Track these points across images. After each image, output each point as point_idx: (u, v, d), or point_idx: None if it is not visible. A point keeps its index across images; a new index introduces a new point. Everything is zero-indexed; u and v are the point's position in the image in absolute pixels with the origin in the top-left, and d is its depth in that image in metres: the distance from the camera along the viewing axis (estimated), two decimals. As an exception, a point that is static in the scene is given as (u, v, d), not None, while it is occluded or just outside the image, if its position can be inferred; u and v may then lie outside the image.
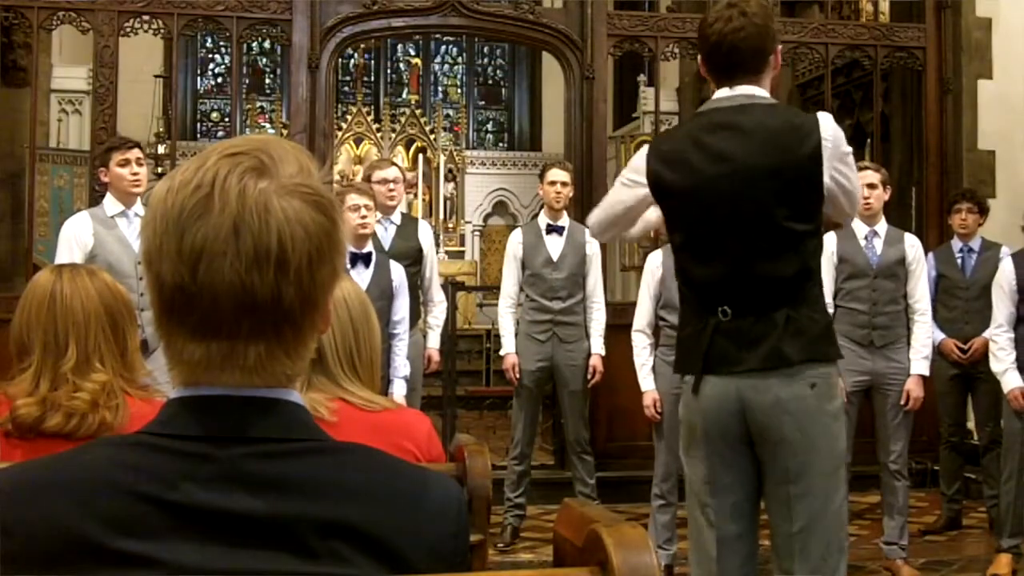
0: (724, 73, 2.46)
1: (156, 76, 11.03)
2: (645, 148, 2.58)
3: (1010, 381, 4.28)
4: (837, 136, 2.42)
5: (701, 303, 2.44)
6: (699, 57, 2.58)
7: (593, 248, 5.09)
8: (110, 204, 4.21)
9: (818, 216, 2.43)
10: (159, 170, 9.58)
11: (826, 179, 2.38)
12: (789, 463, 2.38)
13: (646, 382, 4.38)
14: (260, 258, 0.87)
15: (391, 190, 4.82)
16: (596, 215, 2.70)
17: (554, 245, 5.04)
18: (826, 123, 2.43)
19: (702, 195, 2.41)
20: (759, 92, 2.45)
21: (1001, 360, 4.33)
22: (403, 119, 13.01)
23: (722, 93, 2.47)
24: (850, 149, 2.48)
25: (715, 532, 2.44)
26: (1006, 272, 4.38)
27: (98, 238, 4.09)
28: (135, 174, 4.16)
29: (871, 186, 4.38)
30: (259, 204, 0.88)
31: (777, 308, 2.38)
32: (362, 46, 13.21)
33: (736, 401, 2.39)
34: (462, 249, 13.24)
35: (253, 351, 0.90)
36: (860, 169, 4.42)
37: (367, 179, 4.96)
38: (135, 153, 4.21)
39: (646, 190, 2.51)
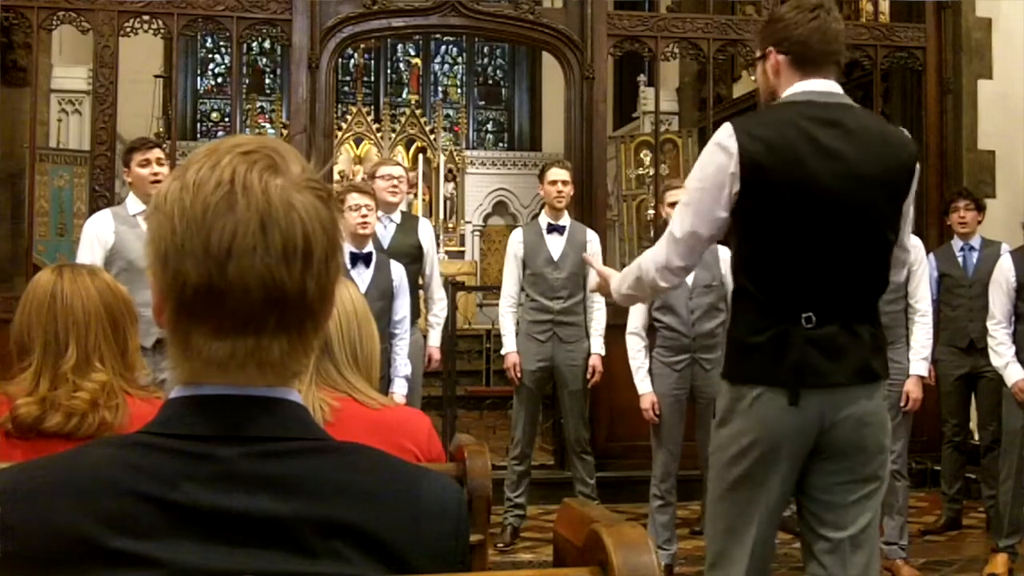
0: (816, 64, 2.37)
1: (156, 76, 11.03)
2: (717, 149, 2.29)
3: (1013, 374, 4.30)
4: None
5: (778, 308, 2.28)
6: (773, 50, 2.38)
7: (594, 247, 5.09)
8: (132, 203, 4.27)
9: (899, 233, 2.39)
10: (167, 169, 9.57)
11: (910, 195, 2.38)
12: (860, 471, 2.34)
13: (643, 384, 4.37)
14: (288, 253, 0.89)
15: (395, 186, 4.89)
16: (673, 250, 2.35)
17: (555, 244, 5.04)
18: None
19: (811, 192, 2.24)
20: (841, 90, 2.41)
21: (1001, 355, 4.35)
22: (403, 119, 13.01)
23: (814, 86, 2.35)
24: None
25: (755, 537, 2.36)
26: (1004, 269, 4.40)
27: (119, 236, 4.14)
28: (156, 174, 4.20)
29: None
30: (283, 200, 0.89)
31: (861, 319, 2.32)
32: (362, 46, 13.22)
33: (818, 419, 2.29)
34: (462, 249, 13.25)
35: (277, 346, 0.91)
36: None
37: (372, 175, 5.01)
38: (155, 153, 4.26)
39: (732, 169, 2.24)
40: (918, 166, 2.38)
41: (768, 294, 2.30)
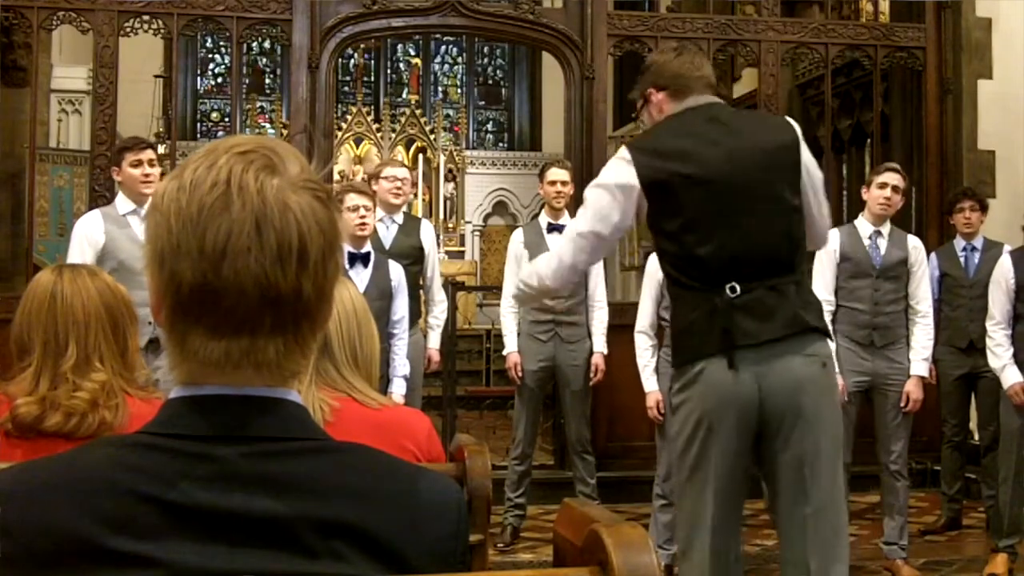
0: (691, 90, 2.63)
1: (156, 76, 11.04)
2: (617, 163, 2.57)
3: (1010, 377, 4.30)
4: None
5: (705, 285, 2.45)
6: (652, 91, 2.67)
7: (594, 247, 5.08)
8: (122, 203, 4.25)
9: (800, 197, 2.57)
10: (160, 171, 9.59)
11: (804, 174, 2.57)
12: (806, 444, 2.43)
13: (649, 383, 4.38)
14: (283, 253, 0.88)
15: (398, 188, 4.87)
16: (566, 253, 2.63)
17: (556, 244, 5.03)
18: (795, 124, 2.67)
19: (705, 175, 2.46)
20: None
21: (999, 356, 4.35)
22: (403, 119, 13.02)
23: (693, 99, 2.62)
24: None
25: (712, 515, 2.45)
26: (1004, 269, 4.40)
27: (110, 236, 4.12)
28: (147, 174, 4.19)
29: (895, 189, 4.40)
30: (278, 200, 0.89)
31: (784, 279, 2.47)
32: (362, 46, 13.22)
33: (755, 382, 2.41)
34: (462, 249, 13.26)
35: (273, 347, 0.91)
36: (888, 171, 4.46)
37: (375, 175, 5.01)
38: (148, 154, 4.24)
39: (631, 180, 2.51)
40: (801, 140, 2.59)
41: (692, 277, 2.48)
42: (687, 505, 2.53)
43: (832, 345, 2.58)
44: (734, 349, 2.40)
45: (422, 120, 13.10)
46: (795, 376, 2.43)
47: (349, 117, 12.73)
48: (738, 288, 2.42)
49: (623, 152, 2.55)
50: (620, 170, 2.53)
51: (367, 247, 4.41)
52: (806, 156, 2.59)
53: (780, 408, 2.42)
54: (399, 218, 4.98)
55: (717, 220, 2.46)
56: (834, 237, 4.41)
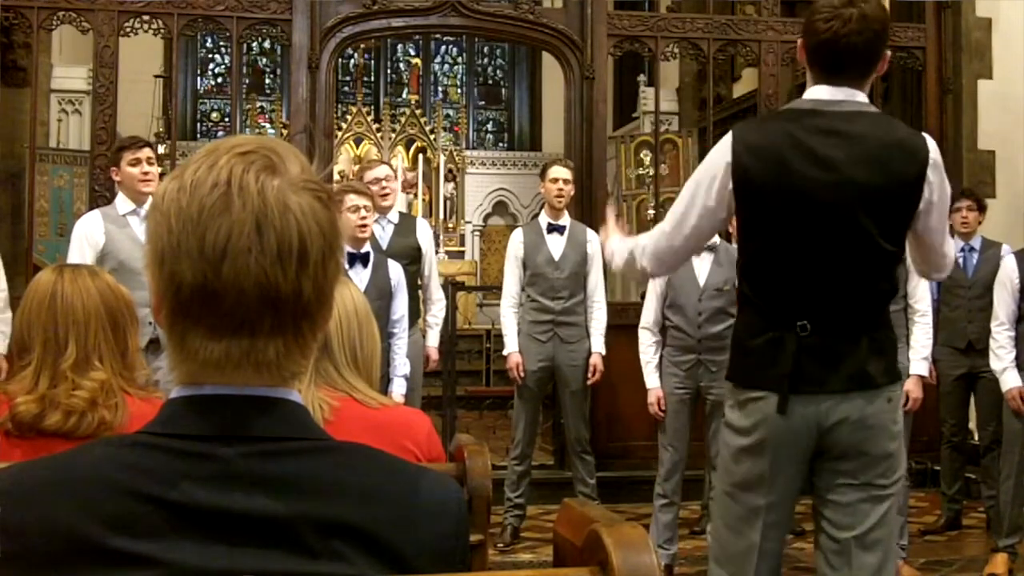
0: (828, 71, 2.30)
1: (156, 76, 11.03)
2: (720, 146, 2.33)
3: (1009, 380, 4.30)
4: (940, 161, 2.39)
5: (775, 314, 2.29)
6: (800, 43, 2.34)
7: (594, 247, 5.09)
8: (122, 203, 4.25)
9: (904, 241, 2.37)
10: (159, 170, 9.59)
11: (925, 197, 2.34)
12: (863, 475, 2.32)
13: (651, 379, 4.39)
14: (283, 254, 0.89)
15: (384, 188, 4.82)
16: (660, 242, 2.40)
17: (555, 244, 5.04)
18: (933, 145, 2.39)
19: (798, 200, 2.23)
20: (861, 96, 2.33)
21: (1001, 358, 4.35)
22: (403, 119, 13.01)
23: (822, 93, 2.31)
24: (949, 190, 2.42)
25: (759, 546, 2.35)
26: (1008, 270, 4.41)
27: (109, 236, 4.12)
28: (146, 173, 4.19)
29: None
30: (279, 201, 0.89)
31: (861, 327, 2.30)
32: (362, 46, 13.21)
33: (816, 422, 2.28)
34: (462, 249, 13.24)
35: (272, 347, 0.91)
36: None
37: (360, 181, 4.98)
38: (146, 152, 4.24)
39: (726, 171, 2.29)
40: (930, 173, 2.34)
41: (764, 300, 2.33)
42: (726, 520, 2.42)
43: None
44: (796, 394, 2.26)
45: (422, 120, 13.10)
46: (860, 415, 2.29)
47: (349, 117, 12.72)
48: (808, 328, 2.25)
49: (727, 135, 2.33)
50: (716, 157, 2.32)
51: (366, 247, 4.41)
52: (929, 188, 2.33)
53: (842, 443, 2.30)
54: (394, 218, 4.95)
55: (802, 250, 2.26)
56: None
